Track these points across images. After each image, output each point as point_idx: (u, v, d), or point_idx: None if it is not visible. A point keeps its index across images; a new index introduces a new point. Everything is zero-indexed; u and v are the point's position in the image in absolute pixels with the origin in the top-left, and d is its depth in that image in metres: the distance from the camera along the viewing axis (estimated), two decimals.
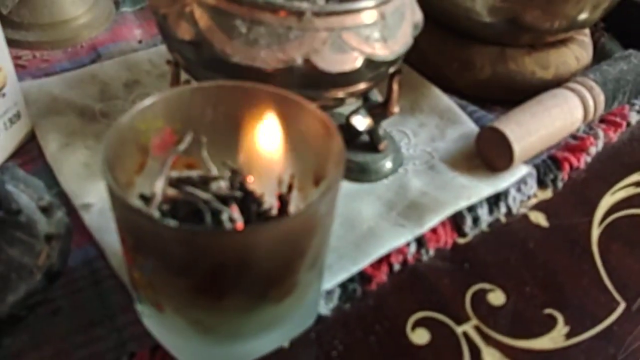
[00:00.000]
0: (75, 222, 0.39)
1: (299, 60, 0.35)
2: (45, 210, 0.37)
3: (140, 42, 0.55)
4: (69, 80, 0.49)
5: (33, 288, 0.34)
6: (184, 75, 0.40)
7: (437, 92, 0.50)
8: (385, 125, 0.45)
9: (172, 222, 0.25)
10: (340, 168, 0.28)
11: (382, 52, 0.37)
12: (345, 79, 0.37)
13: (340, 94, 0.38)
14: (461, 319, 0.37)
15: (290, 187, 0.33)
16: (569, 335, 0.37)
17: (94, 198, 0.40)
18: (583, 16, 0.49)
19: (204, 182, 0.32)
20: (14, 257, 0.34)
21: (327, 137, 0.31)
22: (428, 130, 0.48)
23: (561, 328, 0.37)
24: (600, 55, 0.55)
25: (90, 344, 0.34)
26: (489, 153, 0.45)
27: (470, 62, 0.50)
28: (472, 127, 0.48)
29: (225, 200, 0.31)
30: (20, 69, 0.51)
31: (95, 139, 0.44)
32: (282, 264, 0.28)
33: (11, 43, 0.52)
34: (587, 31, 0.54)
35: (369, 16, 0.36)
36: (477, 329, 0.37)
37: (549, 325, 0.37)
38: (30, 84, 0.48)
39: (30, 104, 0.46)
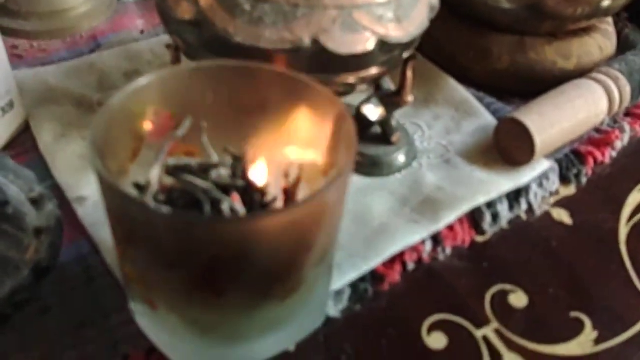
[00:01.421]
0: (69, 216, 0.37)
1: (307, 41, 0.32)
2: (35, 203, 0.35)
3: (142, 32, 0.52)
4: (66, 69, 0.47)
5: (19, 285, 0.31)
6: (184, 61, 0.38)
7: (452, 82, 0.48)
8: (398, 117, 0.43)
9: (164, 209, 0.22)
10: (352, 152, 0.26)
11: (396, 33, 0.34)
12: (356, 62, 0.34)
13: (351, 79, 0.36)
14: (480, 322, 0.34)
15: (298, 179, 0.30)
16: (598, 341, 0.34)
17: (88, 191, 0.38)
18: (606, 3, 0.46)
19: (204, 170, 0.29)
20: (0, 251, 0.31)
21: (337, 120, 0.28)
22: (443, 122, 0.45)
23: (589, 333, 0.34)
24: (623, 46, 0.52)
25: (81, 345, 0.31)
26: (508, 146, 0.42)
27: (488, 52, 0.48)
28: (489, 120, 0.45)
29: (226, 189, 0.29)
30: (17, 59, 0.49)
31: None
32: (287, 258, 0.25)
33: (8, 32, 0.50)
34: (610, 20, 0.52)
35: None
36: (498, 332, 0.34)
37: (576, 329, 0.34)
38: (25, 72, 0.46)
39: (25, 94, 0.43)
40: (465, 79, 0.48)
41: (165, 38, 0.50)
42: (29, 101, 0.44)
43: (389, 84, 0.41)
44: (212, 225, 0.23)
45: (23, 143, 0.42)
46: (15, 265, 0.31)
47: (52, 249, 0.33)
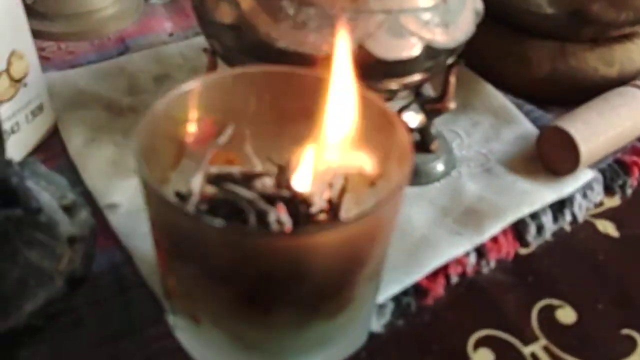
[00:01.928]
0: (100, 223, 0.35)
1: (352, 46, 0.31)
2: (68, 210, 0.34)
3: (171, 34, 0.51)
4: (95, 73, 0.46)
5: (53, 295, 0.30)
6: (221, 66, 0.37)
7: (490, 89, 0.46)
8: (437, 124, 0.41)
9: (217, 222, 0.21)
10: (407, 164, 0.25)
11: (442, 38, 0.33)
12: (401, 68, 0.33)
13: (394, 85, 0.34)
14: (528, 339, 0.33)
15: (343, 190, 0.29)
16: None
17: (121, 198, 0.37)
18: None
19: (247, 180, 0.28)
20: (33, 261, 0.30)
21: (388, 131, 0.27)
22: (482, 130, 0.44)
23: None
24: None
25: (115, 358, 0.30)
26: (551, 155, 0.41)
27: (527, 58, 0.46)
28: (529, 128, 0.44)
29: (271, 200, 0.28)
30: (44, 61, 0.48)
31: (123, 135, 0.41)
32: (340, 274, 0.24)
33: (35, 34, 0.49)
34: None
35: None
36: (547, 350, 0.33)
37: (628, 347, 0.33)
38: (54, 75, 0.45)
39: (53, 97, 0.42)
40: (502, 86, 0.47)
41: (196, 41, 0.49)
42: (57, 104, 0.43)
43: (429, 90, 0.40)
44: (268, 239, 0.22)
45: (52, 147, 0.41)
46: (49, 275, 0.30)
47: (86, 258, 0.32)
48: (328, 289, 0.24)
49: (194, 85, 0.27)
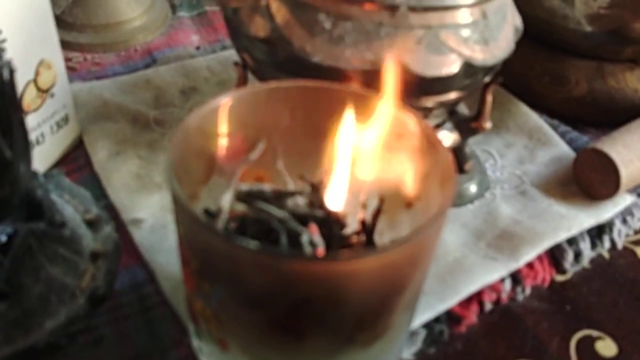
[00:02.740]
0: (123, 239, 0.34)
1: (390, 62, 0.30)
2: (92, 225, 0.33)
3: (197, 48, 0.51)
4: (121, 84, 0.45)
5: (75, 313, 0.29)
6: (251, 80, 0.36)
7: (525, 109, 0.45)
8: (469, 144, 0.40)
9: (252, 243, 0.20)
10: (450, 188, 0.23)
11: (482, 55, 0.32)
12: (439, 85, 0.32)
13: (430, 102, 0.33)
14: None
15: (378, 211, 0.28)
16: None
17: (145, 213, 0.36)
18: None
19: (278, 198, 0.27)
20: (55, 277, 0.29)
21: (428, 151, 0.26)
22: (516, 151, 0.43)
23: None
24: None
25: None
26: (589, 178, 0.39)
27: (564, 78, 0.45)
28: (565, 150, 0.43)
29: (303, 219, 0.26)
30: (70, 72, 0.47)
31: (148, 149, 0.40)
32: (378, 302, 0.23)
33: (62, 44, 0.49)
34: None
35: (469, 14, 0.31)
36: None
37: None
38: (80, 86, 0.44)
39: (78, 108, 0.42)
40: (537, 106, 0.45)
41: (223, 55, 0.49)
42: (82, 116, 0.42)
43: (463, 109, 0.39)
44: (306, 263, 0.21)
45: (76, 159, 0.40)
46: (72, 292, 0.29)
47: (108, 275, 0.31)
48: (365, 317, 0.23)
49: (226, 99, 0.26)
